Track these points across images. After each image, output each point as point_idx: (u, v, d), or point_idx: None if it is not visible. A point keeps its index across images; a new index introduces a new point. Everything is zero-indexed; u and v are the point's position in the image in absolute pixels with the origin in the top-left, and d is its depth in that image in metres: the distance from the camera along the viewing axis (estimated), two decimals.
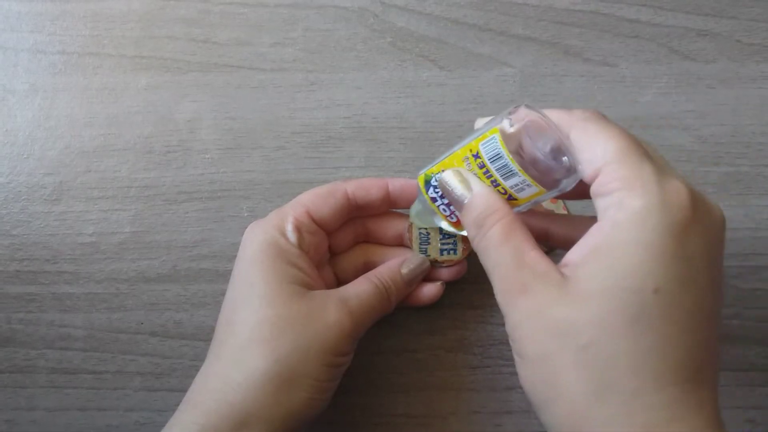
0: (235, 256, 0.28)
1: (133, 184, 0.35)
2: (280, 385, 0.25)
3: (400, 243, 0.31)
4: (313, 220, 0.28)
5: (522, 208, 0.24)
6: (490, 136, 0.23)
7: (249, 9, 0.37)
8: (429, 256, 0.30)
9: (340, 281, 0.30)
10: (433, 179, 0.25)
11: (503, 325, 0.32)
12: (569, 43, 0.36)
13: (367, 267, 0.30)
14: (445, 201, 0.26)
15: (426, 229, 0.30)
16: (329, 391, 0.27)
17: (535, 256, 0.22)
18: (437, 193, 0.26)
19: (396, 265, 0.29)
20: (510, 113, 0.23)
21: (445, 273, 0.31)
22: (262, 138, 0.35)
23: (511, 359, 0.31)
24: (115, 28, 0.37)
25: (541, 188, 0.23)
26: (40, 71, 0.36)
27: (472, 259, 0.31)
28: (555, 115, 0.23)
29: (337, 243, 0.30)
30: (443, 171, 0.25)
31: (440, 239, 0.30)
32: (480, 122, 0.25)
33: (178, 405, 0.26)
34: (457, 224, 0.26)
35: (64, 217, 0.34)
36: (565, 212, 0.32)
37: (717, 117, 0.34)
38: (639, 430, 0.19)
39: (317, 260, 0.29)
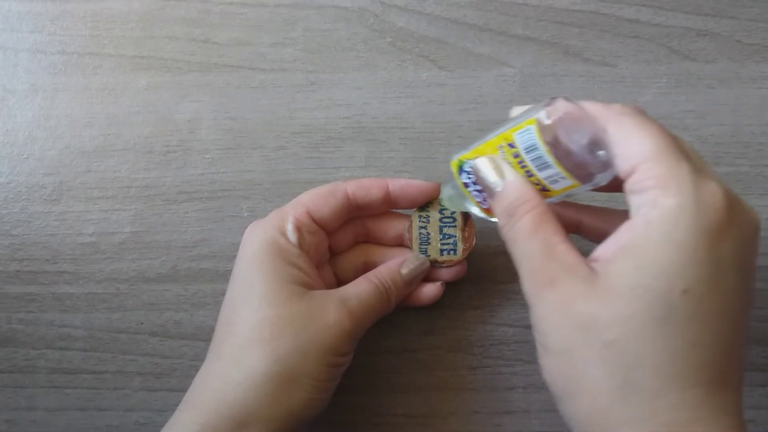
0: (235, 256, 0.28)
1: (133, 184, 0.35)
2: (280, 384, 0.25)
3: (400, 243, 0.31)
4: (314, 220, 0.28)
5: (554, 200, 0.24)
6: (526, 127, 0.23)
7: (249, 9, 0.37)
8: (429, 256, 0.30)
9: (340, 281, 0.30)
10: (467, 165, 0.25)
11: (503, 325, 0.32)
12: (569, 43, 0.36)
13: (367, 267, 0.30)
14: (478, 187, 0.25)
15: (426, 229, 0.30)
16: (329, 391, 0.27)
17: (564, 248, 0.22)
18: (470, 178, 0.25)
19: (396, 265, 0.29)
20: (547, 104, 0.23)
21: (445, 273, 0.31)
22: (262, 138, 0.35)
23: (512, 359, 0.32)
24: (115, 28, 0.37)
25: (576, 181, 0.23)
26: (40, 71, 0.36)
27: (472, 259, 0.31)
28: (593, 109, 0.22)
29: (337, 243, 0.30)
30: (477, 157, 0.24)
31: (440, 239, 0.30)
32: (516, 111, 0.25)
33: (178, 405, 0.26)
34: (488, 211, 0.26)
35: (64, 217, 0.34)
36: None
37: (717, 117, 0.34)
38: (662, 429, 0.19)
39: (317, 260, 0.29)
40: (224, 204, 0.34)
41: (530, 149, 0.23)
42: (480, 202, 0.26)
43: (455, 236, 0.30)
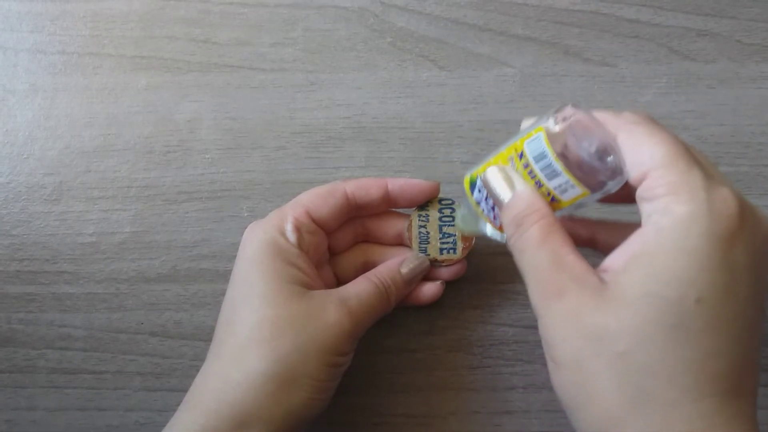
0: (235, 256, 0.28)
1: (133, 184, 0.35)
2: (280, 384, 0.25)
3: (400, 242, 0.31)
4: (313, 220, 0.28)
5: (565, 211, 0.24)
6: (535, 135, 0.23)
7: (249, 9, 0.37)
8: (429, 255, 0.30)
9: (339, 281, 0.30)
10: (478, 181, 0.25)
11: (503, 324, 0.32)
12: (569, 43, 0.36)
13: (367, 267, 0.30)
14: (490, 204, 0.25)
15: (426, 228, 0.30)
16: (329, 391, 0.27)
17: (573, 259, 0.21)
18: (481, 195, 0.25)
19: (395, 264, 0.29)
20: (556, 111, 0.23)
21: (445, 272, 0.31)
22: (262, 138, 0.35)
23: (512, 359, 0.32)
24: (115, 28, 0.37)
25: (585, 189, 0.23)
26: (40, 71, 0.36)
27: (471, 258, 0.31)
28: (602, 117, 0.22)
29: (337, 243, 0.30)
30: (487, 170, 0.24)
31: (440, 238, 0.30)
32: (526, 123, 0.25)
33: (178, 405, 0.26)
34: (502, 228, 0.25)
35: (64, 217, 0.34)
36: None
37: (717, 117, 0.34)
38: None
39: (317, 260, 0.29)
40: (224, 204, 0.34)
41: (539, 157, 0.23)
42: (492, 220, 0.26)
43: (455, 235, 0.30)
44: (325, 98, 0.36)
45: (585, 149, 0.22)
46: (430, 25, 0.36)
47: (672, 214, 0.20)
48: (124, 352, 0.33)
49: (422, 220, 0.30)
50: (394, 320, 0.31)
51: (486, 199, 0.25)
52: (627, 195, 0.23)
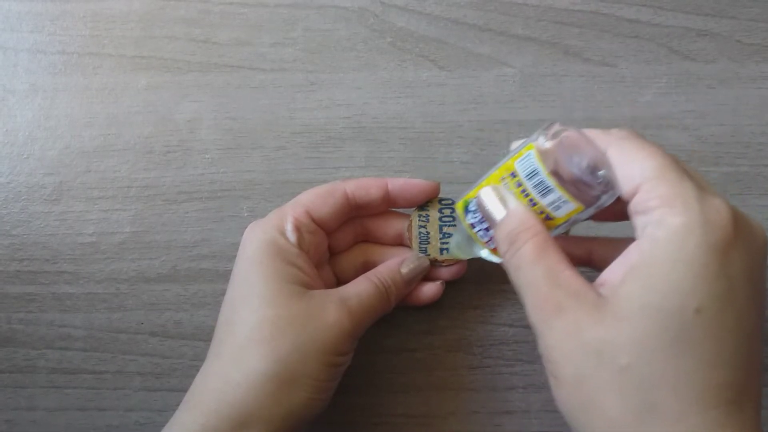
0: (235, 256, 0.28)
1: (133, 184, 0.35)
2: (280, 384, 0.25)
3: (400, 242, 0.31)
4: (313, 220, 0.28)
5: (560, 229, 0.24)
6: (525, 153, 0.23)
7: (249, 9, 0.37)
8: (429, 255, 0.30)
9: (339, 281, 0.30)
10: (472, 204, 0.25)
11: (503, 324, 0.32)
12: (569, 43, 0.36)
13: (367, 266, 0.30)
14: (484, 226, 0.25)
15: (426, 228, 0.30)
16: (329, 391, 0.27)
17: (569, 275, 0.21)
18: (476, 218, 0.25)
19: (395, 264, 0.29)
20: (545, 129, 0.23)
21: (445, 272, 0.31)
22: (262, 138, 0.35)
23: (511, 359, 0.32)
24: (115, 28, 0.37)
25: (579, 205, 0.23)
26: (40, 71, 0.36)
27: (471, 258, 0.31)
28: (591, 134, 0.23)
29: (337, 243, 0.30)
30: (481, 190, 0.24)
31: (440, 238, 0.30)
32: (516, 144, 0.25)
33: (178, 405, 0.26)
34: (497, 250, 0.26)
35: (64, 217, 0.34)
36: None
37: (717, 117, 0.34)
38: None
39: (317, 260, 0.29)
40: (224, 204, 0.34)
41: (531, 175, 0.23)
42: (486, 243, 0.26)
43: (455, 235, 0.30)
44: (325, 98, 0.36)
45: (576, 164, 0.22)
46: (430, 25, 0.36)
47: (667, 226, 0.20)
48: (124, 352, 0.33)
49: (422, 220, 0.30)
50: (394, 320, 0.31)
51: (480, 221, 0.25)
52: (618, 212, 0.23)
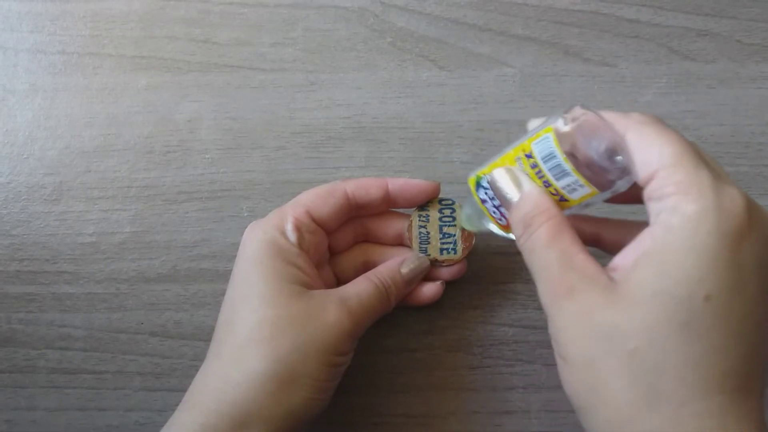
0: (235, 256, 0.28)
1: (133, 184, 0.35)
2: (280, 384, 0.25)
3: (400, 242, 0.31)
4: (313, 220, 0.28)
5: (573, 210, 0.24)
6: (543, 135, 0.23)
7: (249, 9, 0.37)
8: (429, 255, 0.30)
9: (339, 281, 0.30)
10: (484, 180, 0.25)
11: (503, 325, 0.32)
12: (569, 43, 0.36)
13: (367, 266, 0.30)
14: (495, 203, 0.25)
15: (426, 228, 0.30)
16: (329, 391, 0.27)
17: (583, 258, 0.22)
18: (487, 194, 0.25)
19: (396, 264, 0.29)
20: (565, 112, 0.23)
21: (445, 272, 0.31)
22: (262, 138, 0.35)
23: (511, 359, 0.32)
24: (115, 28, 0.37)
25: (594, 189, 0.23)
26: (40, 71, 0.36)
27: (471, 258, 0.31)
28: (610, 117, 0.22)
29: (337, 243, 0.30)
30: (494, 170, 0.24)
31: (440, 238, 0.30)
32: (533, 123, 0.25)
33: (178, 405, 0.26)
34: (507, 227, 0.26)
35: (64, 217, 0.34)
36: None
37: (717, 117, 0.34)
38: None
39: (317, 260, 0.29)
40: (224, 204, 0.34)
41: (548, 158, 0.23)
42: (498, 219, 0.26)
43: (455, 235, 0.30)
44: (325, 98, 0.36)
45: (594, 149, 0.22)
46: (430, 25, 0.37)
47: (681, 213, 0.20)
48: (124, 352, 0.33)
49: (422, 220, 0.30)
50: (394, 320, 0.31)
51: (492, 198, 0.25)
52: (633, 195, 0.23)
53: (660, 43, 0.36)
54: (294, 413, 0.25)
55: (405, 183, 0.29)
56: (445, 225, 0.30)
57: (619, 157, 0.22)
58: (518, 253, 0.32)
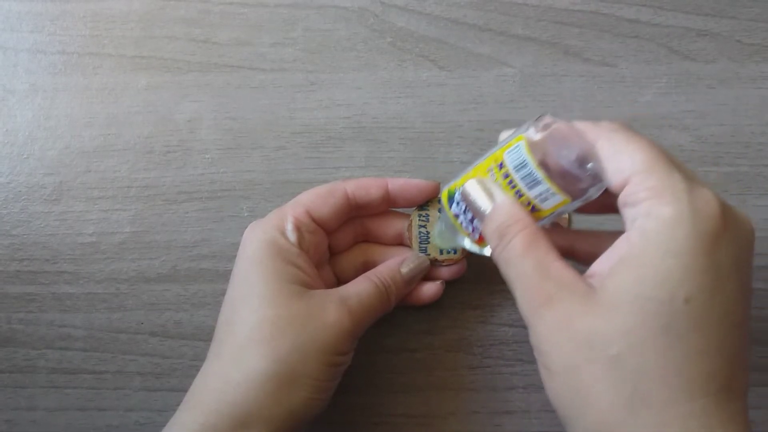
0: (235, 256, 0.28)
1: (133, 184, 0.35)
2: (280, 384, 0.25)
3: (400, 242, 0.31)
4: (313, 220, 0.28)
5: (545, 221, 0.24)
6: (515, 144, 0.23)
7: (249, 9, 0.37)
8: (429, 255, 0.30)
9: (339, 281, 0.31)
10: (457, 194, 0.25)
11: (503, 324, 0.32)
12: (569, 43, 0.36)
13: (367, 266, 0.30)
14: (468, 217, 0.25)
15: (426, 228, 0.30)
16: (329, 391, 0.27)
17: (559, 266, 0.22)
18: (460, 208, 0.25)
19: (396, 264, 0.29)
20: (535, 121, 0.23)
21: (445, 272, 0.31)
22: (262, 138, 0.35)
23: (512, 359, 0.32)
24: (115, 28, 0.37)
25: (566, 197, 0.23)
26: (40, 71, 0.36)
27: (471, 258, 0.31)
28: (581, 126, 0.23)
29: (337, 242, 0.31)
30: (466, 182, 0.24)
31: None
32: (504, 134, 0.25)
33: (178, 405, 0.26)
34: (480, 241, 0.26)
35: (64, 217, 0.34)
36: (566, 225, 0.32)
37: (717, 117, 0.34)
38: None
39: (317, 260, 0.29)
40: (224, 204, 0.34)
41: (520, 166, 0.23)
42: (470, 233, 0.26)
43: None
44: (325, 98, 0.36)
45: (565, 157, 0.22)
46: (430, 25, 0.37)
47: (656, 217, 0.20)
48: (124, 352, 0.33)
49: (422, 220, 0.30)
50: (394, 320, 0.31)
51: (465, 211, 0.25)
52: (604, 204, 0.23)
53: (660, 43, 0.36)
54: (294, 413, 0.25)
55: (405, 183, 0.29)
56: None
57: (590, 165, 0.22)
58: None
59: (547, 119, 0.23)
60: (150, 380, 0.32)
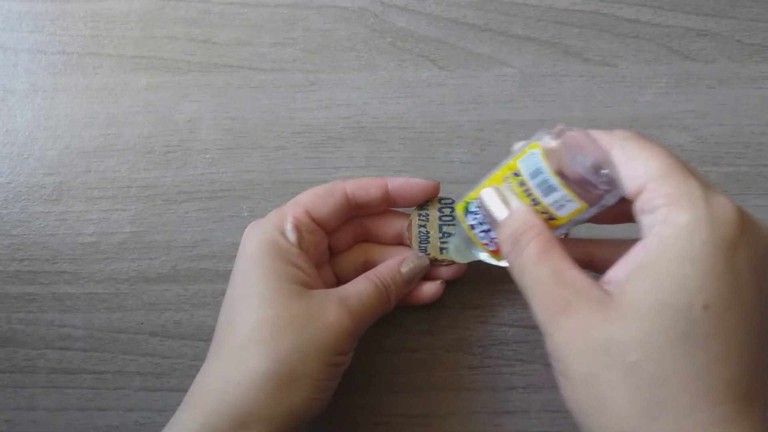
0: (235, 256, 0.28)
1: (133, 184, 0.35)
2: (280, 384, 0.25)
3: (400, 242, 0.31)
4: (313, 220, 0.28)
5: (562, 229, 0.24)
6: (529, 152, 0.23)
7: (249, 9, 0.37)
8: (429, 254, 0.30)
9: (339, 280, 0.31)
10: (472, 205, 0.25)
11: (503, 324, 0.32)
12: (569, 43, 0.36)
13: (367, 266, 0.30)
14: (484, 228, 0.25)
15: (426, 227, 0.30)
16: (329, 391, 0.27)
17: (574, 273, 0.22)
18: (476, 219, 0.25)
19: (395, 263, 0.29)
20: (549, 129, 0.23)
21: (445, 272, 0.31)
22: (262, 138, 0.35)
23: (512, 359, 0.32)
24: (115, 28, 0.37)
25: (582, 204, 0.23)
26: (40, 71, 0.37)
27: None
28: (595, 135, 0.23)
29: (337, 242, 0.31)
30: (482, 191, 0.24)
31: (440, 238, 0.30)
32: (517, 145, 0.25)
33: (178, 405, 0.26)
34: (497, 253, 0.26)
35: (64, 217, 0.34)
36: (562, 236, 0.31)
37: (717, 117, 0.35)
38: None
39: (317, 260, 0.29)
40: (224, 204, 0.34)
41: (535, 173, 0.23)
42: (487, 244, 0.26)
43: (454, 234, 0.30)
44: (325, 98, 0.36)
45: (581, 163, 0.22)
46: (430, 25, 0.37)
47: (674, 224, 0.20)
48: (124, 352, 0.33)
49: (422, 220, 0.30)
50: (394, 320, 0.32)
51: (480, 222, 0.25)
52: (619, 213, 0.23)
53: (660, 43, 0.36)
54: (294, 413, 0.25)
55: (404, 182, 0.29)
56: (445, 224, 0.30)
57: (605, 171, 0.22)
58: None
59: (561, 126, 0.23)
60: (150, 380, 0.32)
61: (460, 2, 0.37)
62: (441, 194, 0.30)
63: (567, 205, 0.23)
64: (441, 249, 0.30)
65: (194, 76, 0.36)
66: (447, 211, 0.30)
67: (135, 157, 0.35)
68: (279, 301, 0.26)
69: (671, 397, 0.19)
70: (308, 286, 0.27)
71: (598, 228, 0.27)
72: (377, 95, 0.36)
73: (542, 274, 0.22)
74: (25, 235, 0.34)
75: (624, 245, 0.25)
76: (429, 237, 0.30)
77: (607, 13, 0.36)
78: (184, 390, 0.26)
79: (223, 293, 0.28)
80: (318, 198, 0.29)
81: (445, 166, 0.35)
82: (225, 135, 0.35)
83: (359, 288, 0.28)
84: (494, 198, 0.24)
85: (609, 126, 0.34)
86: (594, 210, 0.23)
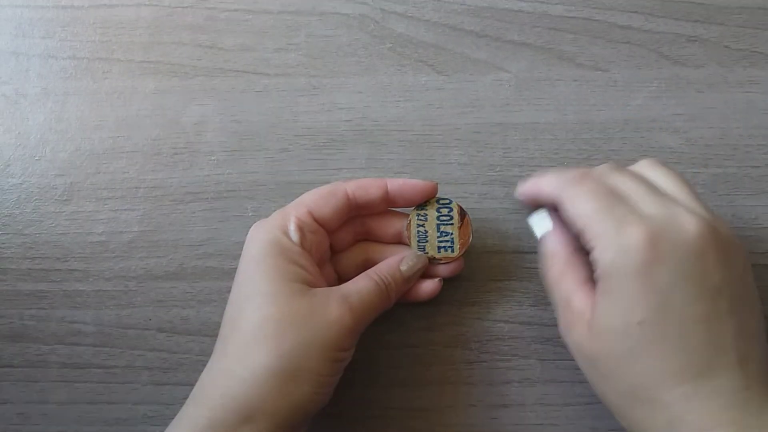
0: (239, 255, 0.28)
1: (141, 185, 0.35)
2: (284, 379, 0.25)
3: (399, 241, 0.31)
4: (315, 220, 0.29)
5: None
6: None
7: (254, 16, 0.38)
8: (427, 253, 0.31)
9: (341, 279, 0.31)
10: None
11: (499, 321, 0.33)
12: (563, 48, 0.36)
13: (368, 264, 0.31)
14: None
15: (424, 227, 0.31)
16: (331, 385, 0.27)
17: (579, 297, 0.26)
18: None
19: (395, 262, 0.30)
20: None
21: (443, 269, 0.31)
22: (267, 140, 0.36)
23: (507, 354, 0.32)
24: (124, 34, 0.38)
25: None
26: (52, 76, 0.37)
27: (468, 256, 0.32)
28: (548, 180, 0.29)
29: (338, 241, 0.31)
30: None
31: (438, 237, 0.31)
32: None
33: (185, 398, 0.27)
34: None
35: (75, 217, 0.35)
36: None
37: (705, 120, 0.35)
38: (663, 423, 0.24)
39: (319, 258, 0.29)
40: (229, 204, 0.35)
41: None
42: None
43: (452, 234, 0.31)
44: (327, 102, 0.36)
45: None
46: (429, 31, 0.37)
47: (600, 264, 0.25)
48: (132, 348, 0.33)
49: (421, 219, 0.31)
50: (394, 316, 0.32)
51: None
52: None
53: (651, 48, 0.36)
54: (297, 407, 0.25)
55: (404, 183, 0.30)
56: (443, 224, 0.31)
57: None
58: (514, 252, 0.34)
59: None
60: (158, 375, 0.33)
61: (458, 9, 0.37)
62: (439, 194, 0.31)
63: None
64: (439, 248, 0.31)
65: (201, 81, 0.37)
66: (445, 211, 0.31)
67: (143, 159, 0.36)
68: (282, 300, 0.26)
69: (638, 392, 0.24)
70: (311, 284, 0.27)
71: None
72: (377, 99, 0.36)
73: (557, 297, 0.28)
74: (37, 234, 0.35)
75: None
76: (427, 236, 0.31)
77: (599, 20, 0.37)
78: (191, 384, 0.27)
79: (228, 290, 0.28)
80: (320, 198, 0.29)
81: (443, 168, 0.35)
82: (230, 137, 0.36)
83: (360, 286, 0.28)
84: (535, 219, 0.30)
85: (602, 128, 0.35)
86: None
